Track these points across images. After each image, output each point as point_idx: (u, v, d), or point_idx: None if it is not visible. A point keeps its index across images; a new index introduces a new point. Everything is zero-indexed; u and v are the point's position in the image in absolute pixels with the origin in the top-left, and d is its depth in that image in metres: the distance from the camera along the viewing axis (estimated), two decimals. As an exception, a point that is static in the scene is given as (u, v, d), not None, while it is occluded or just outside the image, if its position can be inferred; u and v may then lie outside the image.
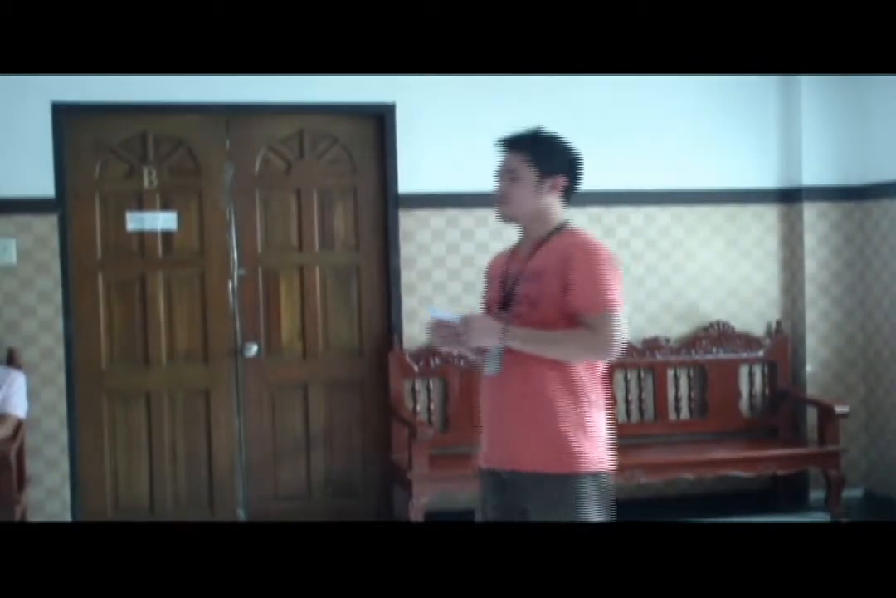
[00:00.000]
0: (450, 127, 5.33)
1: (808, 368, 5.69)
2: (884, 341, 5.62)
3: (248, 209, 5.24)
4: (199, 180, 5.21)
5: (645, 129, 5.50)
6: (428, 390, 5.36)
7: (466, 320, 2.88)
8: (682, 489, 5.48)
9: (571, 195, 3.03)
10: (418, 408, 5.32)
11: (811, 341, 5.68)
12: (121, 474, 5.19)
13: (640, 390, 5.55)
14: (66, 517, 5.04)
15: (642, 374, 5.54)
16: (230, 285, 5.22)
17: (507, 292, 2.96)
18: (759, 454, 5.31)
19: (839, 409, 5.31)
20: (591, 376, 2.89)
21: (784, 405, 5.66)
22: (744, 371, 5.70)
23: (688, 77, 5.33)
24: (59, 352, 5.02)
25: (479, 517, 3.03)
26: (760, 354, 5.67)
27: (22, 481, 4.72)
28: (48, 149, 4.97)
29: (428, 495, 4.93)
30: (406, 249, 5.33)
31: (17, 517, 4.49)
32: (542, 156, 2.95)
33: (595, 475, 2.86)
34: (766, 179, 5.71)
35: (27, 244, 4.98)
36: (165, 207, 5.19)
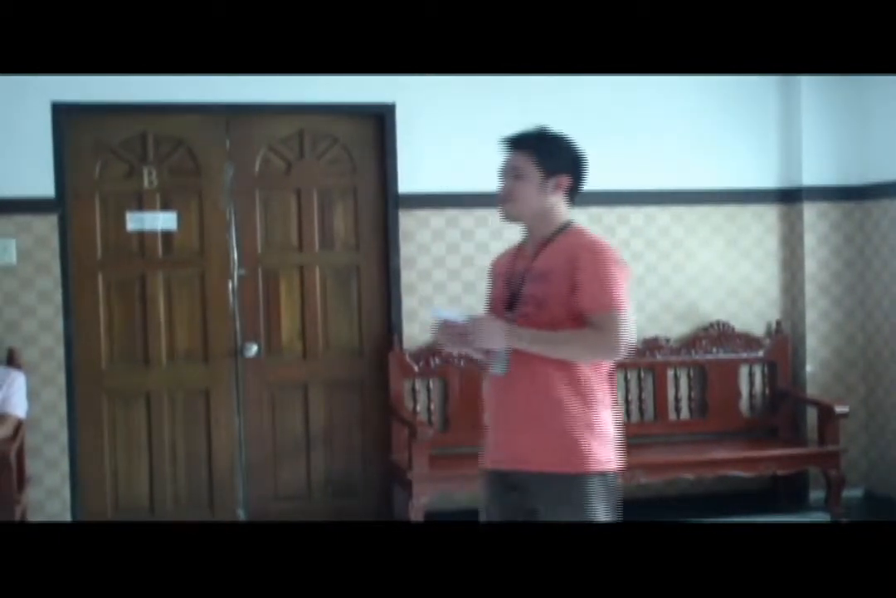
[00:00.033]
0: (450, 127, 5.33)
1: (808, 368, 5.69)
2: (884, 341, 5.62)
3: (248, 209, 5.24)
4: (199, 180, 5.21)
5: (645, 129, 5.50)
6: (428, 390, 5.36)
7: (473, 321, 2.87)
8: (682, 489, 5.48)
9: (576, 194, 3.02)
10: (418, 408, 5.32)
11: (811, 341, 5.68)
12: (121, 474, 5.19)
13: (640, 390, 5.55)
14: (66, 517, 5.04)
15: (642, 374, 5.54)
16: (230, 285, 5.22)
17: (512, 292, 2.96)
18: (759, 454, 5.31)
19: (839, 409, 5.31)
20: (597, 375, 2.89)
21: (784, 405, 5.66)
22: (744, 371, 5.70)
23: (688, 77, 5.33)
24: (59, 352, 5.02)
25: (483, 518, 3.02)
26: (760, 354, 5.67)
27: (22, 481, 4.72)
28: (48, 149, 4.97)
29: (428, 495, 4.93)
30: (406, 249, 5.33)
31: (17, 517, 4.49)
32: (546, 155, 2.94)
33: (603, 475, 2.85)
34: (766, 179, 5.71)
35: (27, 244, 4.98)
36: (165, 207, 5.19)
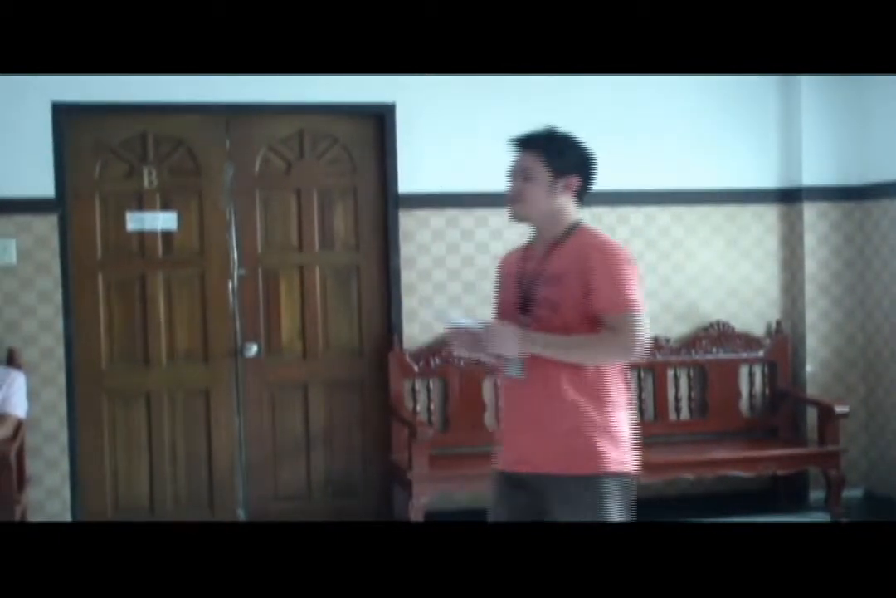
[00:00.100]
0: (450, 127, 5.33)
1: (808, 368, 5.69)
2: (884, 341, 5.62)
3: (248, 209, 5.24)
4: (199, 180, 5.21)
5: (645, 129, 5.50)
6: (428, 390, 5.36)
7: (488, 328, 2.85)
8: (682, 489, 5.48)
9: (585, 195, 3.01)
10: (418, 408, 5.32)
11: (811, 341, 5.68)
12: (121, 474, 5.19)
13: (640, 390, 5.54)
14: (66, 517, 5.04)
15: (642, 374, 5.53)
16: (230, 285, 5.22)
17: (525, 295, 2.94)
18: (759, 454, 5.31)
19: (839, 409, 5.31)
20: (611, 376, 2.88)
21: (784, 405, 5.66)
22: (744, 371, 5.70)
23: (688, 77, 5.33)
24: (59, 352, 5.02)
25: (491, 519, 3.01)
26: (760, 354, 5.67)
27: (22, 481, 4.72)
28: (48, 149, 4.97)
29: (428, 495, 4.93)
30: (406, 249, 5.33)
31: (17, 517, 4.49)
32: (555, 155, 2.93)
33: (618, 476, 2.84)
34: (766, 179, 5.71)
35: (27, 244, 4.98)
36: (165, 207, 5.19)
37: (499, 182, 5.40)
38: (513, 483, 2.94)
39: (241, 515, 5.25)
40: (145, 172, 5.15)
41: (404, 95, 5.25)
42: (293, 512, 5.23)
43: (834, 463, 5.27)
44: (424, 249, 5.37)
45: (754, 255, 5.72)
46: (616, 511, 2.82)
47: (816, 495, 5.54)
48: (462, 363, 5.24)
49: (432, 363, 5.31)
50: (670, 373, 5.59)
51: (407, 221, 5.33)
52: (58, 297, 5.01)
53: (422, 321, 5.35)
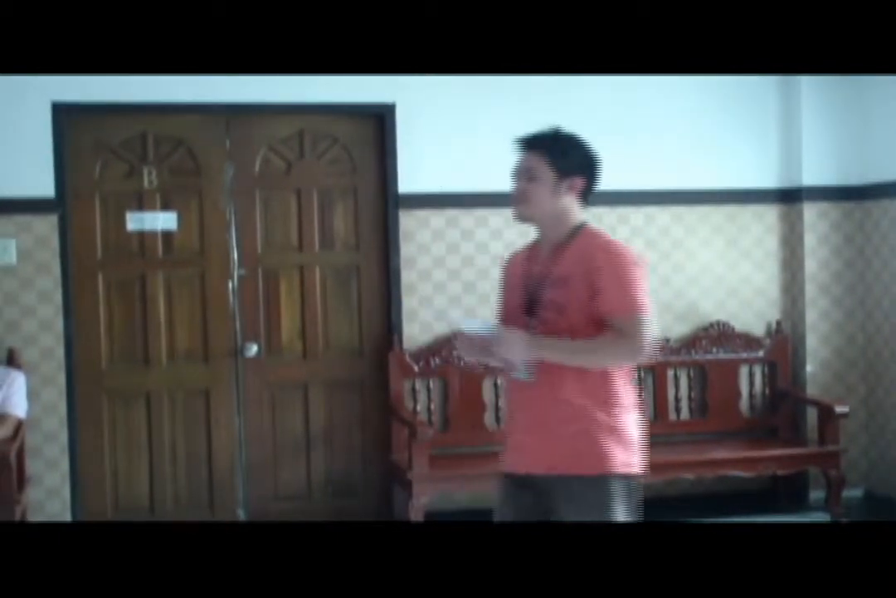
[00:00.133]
0: (450, 127, 5.33)
1: (808, 368, 5.68)
2: (884, 341, 5.62)
3: (248, 209, 5.24)
4: (199, 180, 5.21)
5: (645, 129, 5.50)
6: (428, 390, 5.36)
7: (497, 334, 2.84)
8: (682, 489, 5.48)
9: (589, 196, 3.00)
10: (418, 408, 5.32)
11: (811, 341, 5.68)
12: (121, 474, 5.19)
13: (641, 390, 5.53)
14: (66, 517, 5.04)
15: (642, 374, 5.53)
16: (230, 285, 5.22)
17: (531, 297, 2.93)
18: (759, 454, 5.31)
19: (839, 409, 5.31)
20: (618, 377, 2.88)
21: (784, 405, 5.66)
22: (744, 371, 5.70)
23: (688, 77, 5.33)
24: (59, 352, 5.02)
25: (497, 520, 3.01)
26: (760, 354, 5.67)
27: (22, 481, 4.72)
28: (48, 149, 4.97)
29: (428, 495, 4.93)
30: (406, 249, 5.33)
31: (17, 517, 4.49)
32: (560, 156, 2.92)
33: (624, 478, 2.84)
34: (766, 179, 5.71)
35: (27, 244, 4.98)
36: (165, 207, 5.19)
37: (499, 182, 5.39)
38: (519, 484, 2.94)
39: (241, 515, 5.25)
40: (145, 172, 5.15)
41: (404, 95, 5.25)
42: (293, 512, 5.23)
43: (834, 463, 5.27)
44: (424, 249, 5.37)
45: (754, 255, 5.72)
46: (622, 512, 2.81)
47: (816, 495, 5.54)
48: (462, 363, 5.24)
49: (432, 363, 5.31)
50: (670, 373, 5.59)
51: (407, 221, 5.33)
52: (58, 297, 5.01)
53: (422, 321, 5.35)
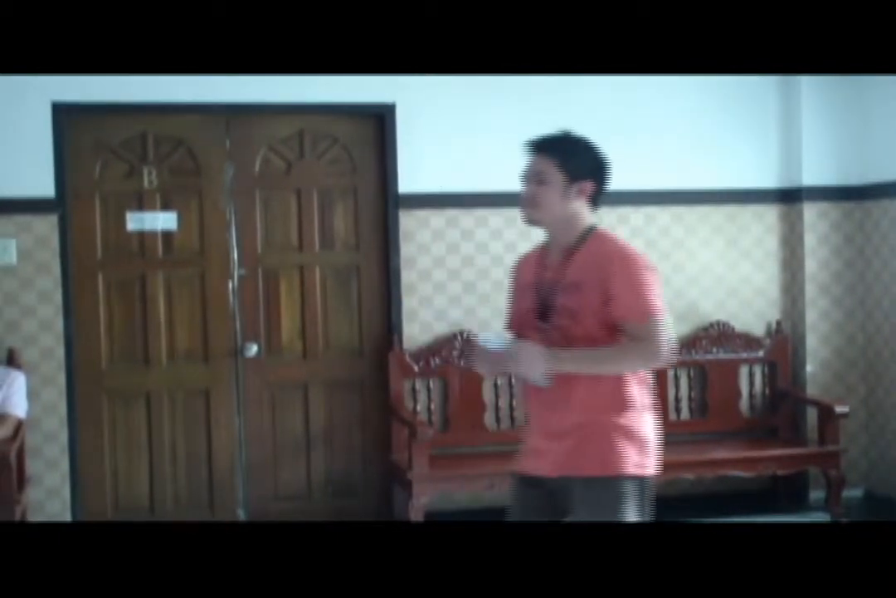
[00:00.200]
0: (450, 127, 5.33)
1: (808, 368, 5.68)
2: (884, 341, 5.62)
3: (248, 209, 5.24)
4: (199, 180, 5.21)
5: (645, 129, 5.50)
6: (428, 390, 5.36)
7: (516, 350, 2.83)
8: (682, 489, 5.48)
9: (599, 199, 3.00)
10: (418, 408, 5.32)
11: (811, 341, 5.68)
12: (121, 474, 5.19)
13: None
14: (66, 517, 5.04)
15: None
16: (230, 285, 5.22)
17: (544, 303, 2.92)
18: (759, 454, 5.31)
19: (839, 409, 5.31)
20: (633, 379, 2.88)
21: (784, 405, 5.66)
22: (744, 371, 5.70)
23: (688, 77, 5.33)
24: (59, 352, 5.02)
25: (510, 520, 3.01)
26: (760, 354, 5.67)
27: (22, 481, 4.72)
28: (48, 149, 4.97)
29: (428, 495, 4.93)
30: (406, 249, 5.33)
31: (17, 517, 4.49)
32: (570, 160, 2.90)
33: (638, 479, 2.85)
34: (766, 179, 5.70)
35: (27, 244, 4.98)
36: (165, 207, 5.19)
37: (499, 182, 5.43)
38: (532, 485, 2.95)
39: (241, 515, 5.25)
40: (145, 172, 5.15)
41: (404, 95, 5.25)
42: (293, 512, 5.23)
43: (834, 463, 5.27)
44: (424, 249, 5.37)
45: (754, 255, 5.72)
46: (634, 513, 2.82)
47: (816, 495, 5.54)
48: (462, 363, 5.25)
49: (432, 363, 5.31)
50: (670, 373, 5.59)
51: (407, 221, 5.33)
52: (58, 297, 5.01)
53: (422, 321, 5.35)
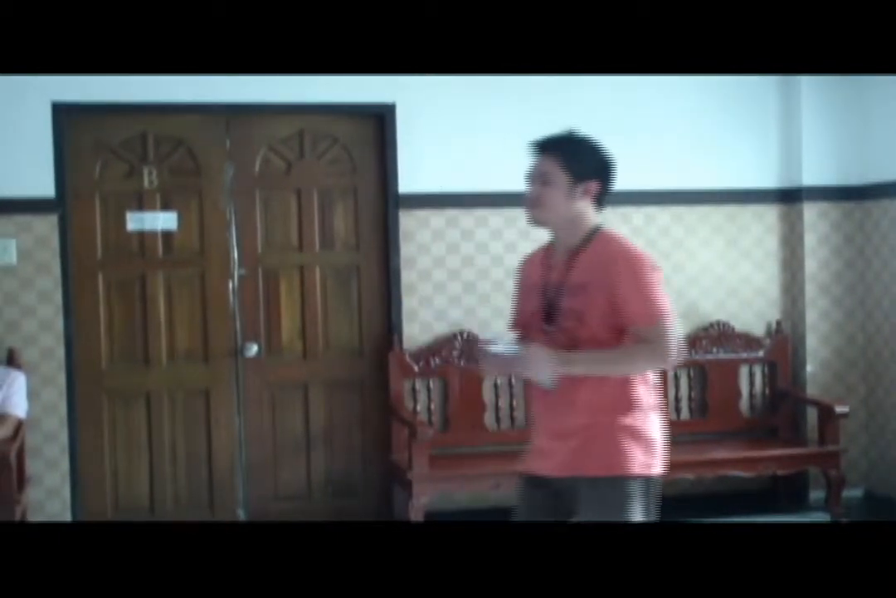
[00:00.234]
0: (450, 127, 5.33)
1: (808, 368, 5.68)
2: (884, 341, 5.62)
3: (248, 209, 5.24)
4: (199, 180, 5.21)
5: (645, 129, 5.50)
6: (428, 390, 5.36)
7: (525, 354, 2.83)
8: (682, 489, 5.47)
9: (604, 199, 2.99)
10: (418, 408, 5.32)
11: (811, 341, 5.68)
12: (121, 474, 5.19)
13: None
14: (66, 517, 5.04)
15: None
16: (230, 285, 5.22)
17: (549, 305, 2.91)
18: (759, 454, 5.31)
19: (839, 409, 5.31)
20: (639, 380, 2.88)
21: (784, 405, 5.66)
22: (744, 371, 5.70)
23: (688, 77, 5.33)
24: (59, 352, 5.02)
25: (515, 520, 3.01)
26: (760, 354, 5.67)
27: (22, 481, 4.72)
28: (48, 149, 4.97)
29: (428, 495, 4.93)
30: (406, 249, 5.33)
31: (17, 517, 4.49)
32: (575, 160, 2.90)
33: (644, 479, 2.85)
34: (766, 179, 5.70)
35: (27, 244, 4.98)
36: (165, 207, 5.19)
37: (499, 182, 5.43)
38: (538, 485, 2.95)
39: (241, 515, 5.25)
40: (145, 172, 5.15)
41: (404, 95, 5.25)
42: (293, 512, 5.23)
43: (834, 463, 5.27)
44: (424, 249, 5.36)
45: (754, 255, 5.72)
46: (639, 513, 2.82)
47: (816, 495, 5.54)
48: (462, 363, 5.25)
49: (432, 363, 5.31)
50: (670, 373, 5.59)
51: (407, 221, 5.33)
52: (58, 297, 5.01)
53: (422, 321, 5.35)
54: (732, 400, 5.65)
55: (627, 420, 2.85)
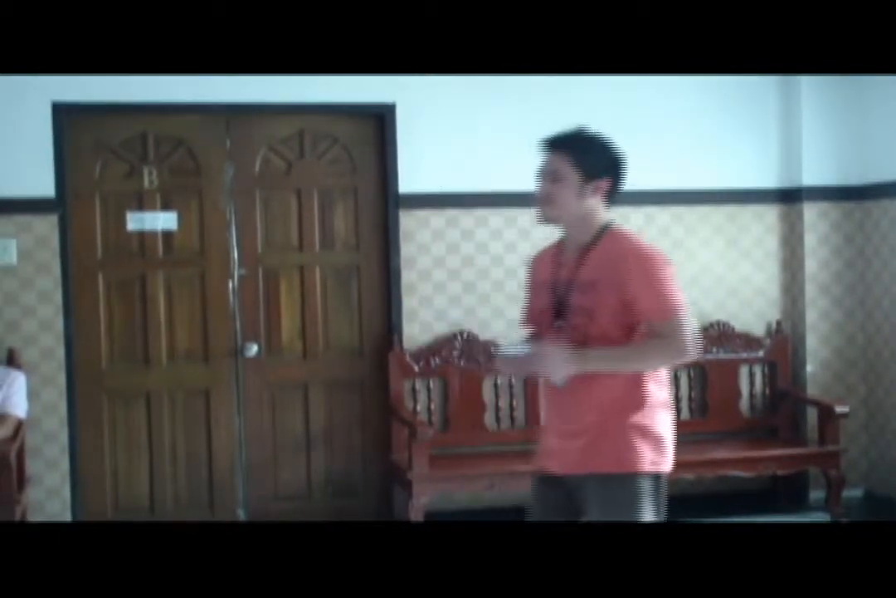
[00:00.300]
0: (450, 127, 5.33)
1: (809, 368, 5.68)
2: (884, 341, 5.62)
3: (248, 209, 5.24)
4: (199, 180, 5.21)
5: (645, 129, 5.49)
6: (428, 390, 5.36)
7: (540, 353, 2.82)
8: (682, 489, 5.46)
9: (615, 197, 2.99)
10: (418, 408, 5.32)
11: (811, 341, 5.68)
12: (121, 474, 5.19)
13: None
14: (66, 517, 5.04)
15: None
16: (230, 285, 5.22)
17: (559, 302, 2.91)
18: (759, 454, 5.31)
19: (839, 409, 5.31)
20: (649, 377, 2.88)
21: (784, 405, 5.66)
22: (744, 371, 5.70)
23: (688, 77, 5.33)
24: (59, 352, 5.02)
25: (529, 519, 3.02)
26: (760, 354, 5.67)
27: (22, 481, 4.72)
28: (48, 149, 4.97)
29: (428, 495, 4.93)
30: (406, 249, 5.33)
31: (17, 517, 4.49)
32: (585, 157, 2.90)
33: (654, 476, 2.86)
34: (766, 179, 5.70)
35: (27, 244, 4.98)
36: (165, 207, 5.19)
37: (499, 182, 5.43)
38: (551, 484, 2.95)
39: (241, 515, 5.25)
40: (145, 172, 5.15)
41: (404, 95, 5.25)
42: (293, 512, 5.23)
43: (834, 463, 5.27)
44: (424, 249, 5.36)
45: (754, 255, 5.72)
46: (649, 510, 2.83)
47: (816, 495, 5.54)
48: (462, 363, 5.25)
49: (432, 363, 5.31)
50: (670, 373, 5.58)
51: (407, 221, 5.33)
52: (58, 297, 5.01)
53: (422, 321, 5.35)
54: (732, 400, 5.65)
55: (637, 418, 2.86)
